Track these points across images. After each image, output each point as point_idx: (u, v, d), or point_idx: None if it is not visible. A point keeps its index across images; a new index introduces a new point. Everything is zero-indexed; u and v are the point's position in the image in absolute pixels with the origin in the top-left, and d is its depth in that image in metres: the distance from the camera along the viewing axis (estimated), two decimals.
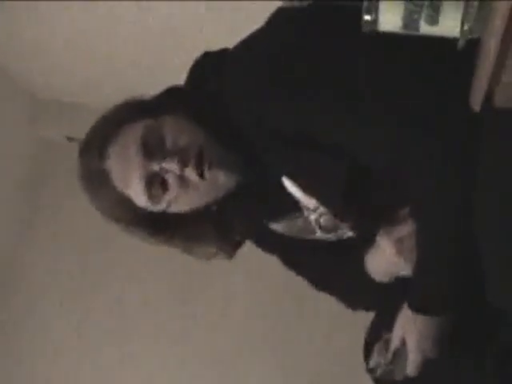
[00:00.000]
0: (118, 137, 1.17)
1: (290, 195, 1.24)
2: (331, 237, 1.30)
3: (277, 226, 1.33)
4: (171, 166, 1.14)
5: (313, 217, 1.27)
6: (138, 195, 1.17)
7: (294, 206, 1.26)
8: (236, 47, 1.16)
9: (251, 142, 1.17)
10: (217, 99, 1.14)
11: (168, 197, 1.16)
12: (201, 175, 1.14)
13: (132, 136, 1.16)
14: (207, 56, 1.21)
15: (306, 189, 1.21)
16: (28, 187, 3.34)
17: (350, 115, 1.07)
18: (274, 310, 3.06)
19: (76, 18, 2.72)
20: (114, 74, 2.91)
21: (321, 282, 1.40)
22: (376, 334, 1.30)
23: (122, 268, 3.23)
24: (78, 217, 3.22)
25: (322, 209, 1.26)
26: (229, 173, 1.17)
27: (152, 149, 1.14)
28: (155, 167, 1.14)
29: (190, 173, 1.14)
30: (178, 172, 1.14)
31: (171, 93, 1.23)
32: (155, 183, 1.15)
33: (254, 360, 3.04)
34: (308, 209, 1.26)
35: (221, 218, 1.26)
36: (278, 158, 1.17)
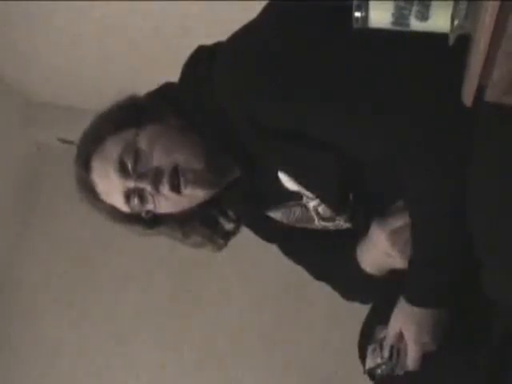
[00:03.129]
0: (100, 152, 1.22)
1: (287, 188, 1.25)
2: (330, 226, 1.31)
3: (275, 214, 1.34)
4: (145, 186, 1.18)
5: (311, 204, 1.28)
6: (121, 206, 1.23)
7: (293, 194, 1.27)
8: (227, 42, 1.16)
9: (244, 137, 1.17)
10: (208, 96, 1.15)
11: (147, 208, 1.21)
12: (177, 191, 1.17)
13: (111, 153, 1.20)
14: (201, 50, 1.22)
15: (301, 184, 1.22)
16: (23, 189, 3.34)
17: (339, 112, 1.07)
18: (271, 310, 3.07)
19: (69, 22, 2.72)
20: (108, 76, 2.91)
21: (318, 271, 1.40)
22: (369, 334, 1.31)
23: (119, 269, 3.23)
24: (74, 219, 3.22)
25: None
26: (207, 189, 1.20)
27: (127, 168, 1.18)
28: (132, 184, 1.19)
29: (165, 190, 1.18)
30: (151, 191, 1.18)
31: (163, 93, 1.24)
32: (133, 198, 1.20)
33: (251, 360, 3.05)
34: (307, 196, 1.26)
35: (207, 214, 1.30)
36: (271, 154, 1.17)
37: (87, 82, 3.05)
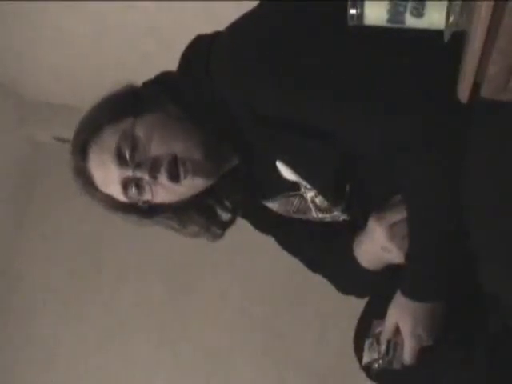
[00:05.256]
0: (97, 140, 1.21)
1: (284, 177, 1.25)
2: (327, 217, 1.30)
3: (272, 205, 1.33)
4: (143, 175, 1.17)
5: (309, 195, 1.27)
6: (118, 195, 1.22)
7: (291, 184, 1.27)
8: (226, 31, 1.15)
9: (243, 126, 1.16)
10: (207, 85, 1.14)
11: (145, 197, 1.20)
12: (176, 181, 1.16)
13: (108, 142, 1.19)
14: (199, 40, 1.21)
15: (298, 173, 1.21)
16: (19, 188, 3.34)
17: (337, 103, 1.07)
18: (269, 308, 3.07)
19: (64, 20, 2.72)
20: (104, 75, 2.91)
21: (315, 263, 1.40)
22: (365, 328, 1.31)
23: (117, 268, 3.23)
24: (71, 217, 3.22)
25: None
26: (206, 178, 1.19)
27: (125, 157, 1.17)
28: (129, 173, 1.18)
29: (163, 180, 1.17)
30: (149, 181, 1.17)
31: (161, 82, 1.24)
32: (131, 187, 1.19)
33: (250, 358, 3.05)
34: (305, 187, 1.26)
35: (204, 203, 1.29)
36: (270, 143, 1.17)
37: (83, 80, 3.04)
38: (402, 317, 1.21)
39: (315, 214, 1.31)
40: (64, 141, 3.01)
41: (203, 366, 3.09)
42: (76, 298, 3.23)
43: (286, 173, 1.23)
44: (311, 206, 1.30)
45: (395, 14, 0.74)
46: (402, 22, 0.75)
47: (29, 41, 2.87)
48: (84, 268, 3.24)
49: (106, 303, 3.21)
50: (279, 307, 3.05)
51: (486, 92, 0.76)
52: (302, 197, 1.29)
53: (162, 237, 3.22)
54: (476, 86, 0.77)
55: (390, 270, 1.28)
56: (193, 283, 3.16)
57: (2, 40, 2.88)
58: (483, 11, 0.68)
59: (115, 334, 3.19)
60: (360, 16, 0.75)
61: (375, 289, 1.34)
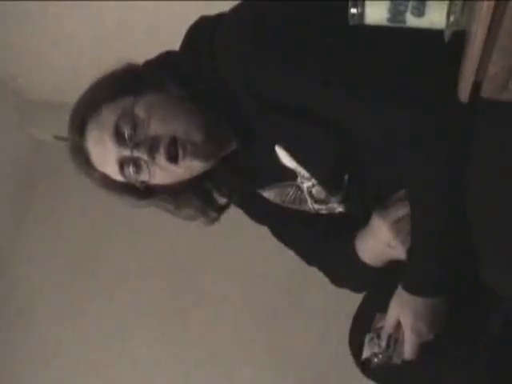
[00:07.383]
0: (96, 118, 1.19)
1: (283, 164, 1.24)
2: (323, 209, 1.30)
3: (268, 194, 1.33)
4: (141, 155, 1.16)
5: (305, 185, 1.27)
6: (115, 175, 1.21)
7: (288, 173, 1.26)
8: (229, 13, 1.15)
9: (244, 109, 1.15)
10: (209, 66, 1.13)
11: (142, 178, 1.19)
12: (175, 162, 1.15)
13: (107, 120, 1.17)
14: (203, 20, 1.21)
15: (297, 159, 1.21)
16: (19, 188, 3.34)
17: (337, 94, 1.06)
18: (269, 309, 3.06)
19: (66, 20, 2.72)
20: (103, 72, 2.90)
21: (309, 255, 1.40)
22: (360, 325, 1.31)
23: (117, 268, 3.22)
24: (71, 217, 3.22)
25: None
26: (205, 161, 1.18)
27: (124, 136, 1.16)
28: (127, 153, 1.16)
29: (162, 160, 1.15)
30: (147, 160, 1.16)
31: (163, 61, 1.23)
32: (128, 166, 1.18)
33: (249, 359, 3.04)
34: (302, 176, 1.26)
35: (201, 186, 1.28)
36: (269, 127, 1.16)
37: (83, 79, 3.04)
38: (403, 312, 1.21)
39: (311, 205, 1.30)
40: (65, 139, 3.00)
41: (203, 367, 3.09)
42: (76, 297, 3.23)
43: (285, 159, 1.22)
44: (307, 196, 1.29)
45: (396, 13, 0.74)
46: (403, 21, 0.75)
47: (29, 40, 2.87)
48: (84, 268, 3.24)
49: (106, 303, 3.21)
50: (279, 308, 3.05)
51: (486, 92, 0.77)
52: (299, 187, 1.28)
53: (162, 236, 3.22)
54: (476, 86, 0.77)
55: (391, 265, 1.28)
56: (193, 283, 3.15)
57: (2, 39, 2.88)
58: (484, 11, 0.68)
59: (115, 333, 3.18)
60: (361, 15, 0.75)
61: (375, 284, 1.34)
